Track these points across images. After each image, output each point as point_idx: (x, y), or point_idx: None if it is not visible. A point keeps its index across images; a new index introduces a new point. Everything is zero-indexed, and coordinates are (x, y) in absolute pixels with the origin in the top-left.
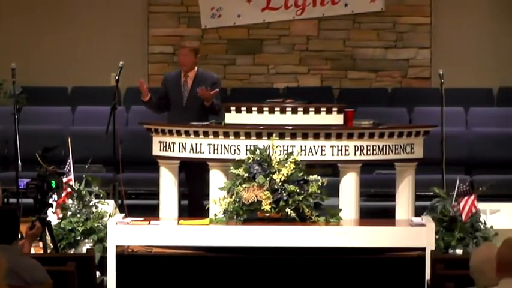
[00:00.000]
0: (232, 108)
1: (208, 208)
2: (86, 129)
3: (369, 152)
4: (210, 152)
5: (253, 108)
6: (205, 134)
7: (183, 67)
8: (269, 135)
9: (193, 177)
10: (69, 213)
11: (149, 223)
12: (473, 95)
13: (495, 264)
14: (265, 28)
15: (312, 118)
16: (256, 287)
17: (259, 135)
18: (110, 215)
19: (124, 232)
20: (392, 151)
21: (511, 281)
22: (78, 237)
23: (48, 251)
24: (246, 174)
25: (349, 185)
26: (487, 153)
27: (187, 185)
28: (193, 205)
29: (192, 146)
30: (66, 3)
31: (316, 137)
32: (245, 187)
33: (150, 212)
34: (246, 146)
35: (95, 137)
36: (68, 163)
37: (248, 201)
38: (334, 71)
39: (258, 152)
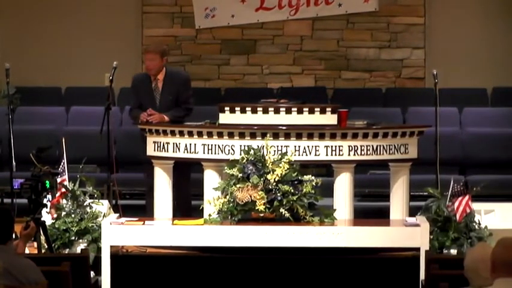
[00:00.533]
0: (226, 108)
1: (202, 208)
2: (80, 129)
3: (363, 152)
4: (204, 152)
5: (247, 109)
6: (200, 134)
7: (151, 71)
8: (263, 136)
9: (181, 177)
10: (63, 213)
11: (143, 223)
12: (467, 95)
13: (489, 264)
14: (259, 28)
15: (306, 118)
16: (250, 287)
17: (253, 136)
18: (104, 215)
19: (118, 232)
20: (386, 151)
21: (505, 280)
22: (73, 237)
23: (43, 251)
24: (240, 174)
25: (343, 185)
26: (481, 153)
27: (174, 185)
28: (182, 205)
29: (186, 146)
30: (59, 4)
31: (310, 137)
32: (239, 187)
33: (144, 212)
34: (240, 146)
35: (89, 137)
36: (62, 163)
37: (242, 201)
38: (328, 71)
39: (252, 152)
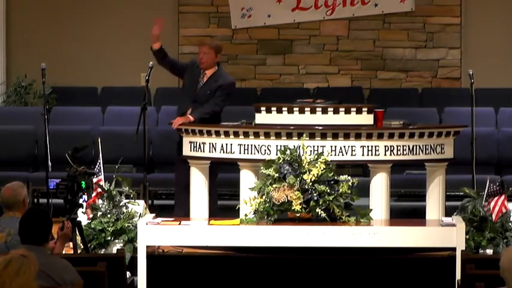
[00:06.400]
0: (263, 108)
1: (238, 208)
2: (116, 129)
3: (399, 152)
4: (240, 152)
5: (284, 109)
6: (236, 134)
7: (202, 65)
8: (299, 136)
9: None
10: (99, 213)
11: (180, 223)
12: (503, 95)
13: None
14: (295, 28)
15: (342, 118)
16: (286, 287)
17: (289, 136)
18: (140, 215)
19: (154, 232)
20: (422, 151)
21: None
22: (109, 238)
23: (79, 251)
24: (277, 175)
25: (379, 185)
26: None
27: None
28: (210, 206)
29: (222, 146)
30: (96, 4)
31: (347, 137)
32: (275, 187)
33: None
34: (277, 146)
35: (125, 137)
36: (98, 163)
37: (278, 201)
38: (364, 71)
39: (288, 152)
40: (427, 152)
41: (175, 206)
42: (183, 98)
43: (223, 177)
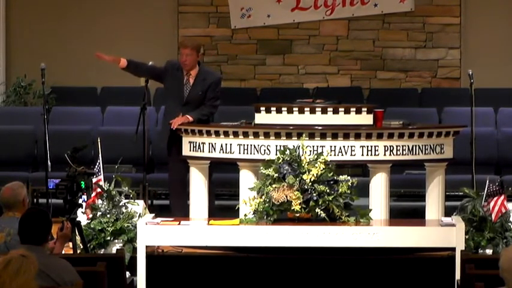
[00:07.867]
0: (262, 108)
1: (237, 208)
2: (115, 129)
3: (398, 152)
4: (240, 152)
5: (283, 109)
6: (235, 134)
7: (186, 67)
8: (299, 136)
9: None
10: (99, 213)
11: (179, 223)
12: (503, 95)
13: None
14: (295, 28)
15: (341, 118)
16: (286, 287)
17: (289, 136)
18: (139, 215)
19: (154, 232)
20: (422, 151)
21: None
22: (108, 238)
23: (78, 251)
24: (276, 175)
25: (379, 185)
26: None
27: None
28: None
29: (221, 146)
30: (96, 4)
31: (346, 137)
32: (275, 187)
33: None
34: (276, 146)
35: (125, 138)
36: (97, 163)
37: (278, 201)
38: (364, 71)
39: (288, 152)
40: (426, 152)
41: (171, 208)
42: (170, 102)
43: (223, 177)
